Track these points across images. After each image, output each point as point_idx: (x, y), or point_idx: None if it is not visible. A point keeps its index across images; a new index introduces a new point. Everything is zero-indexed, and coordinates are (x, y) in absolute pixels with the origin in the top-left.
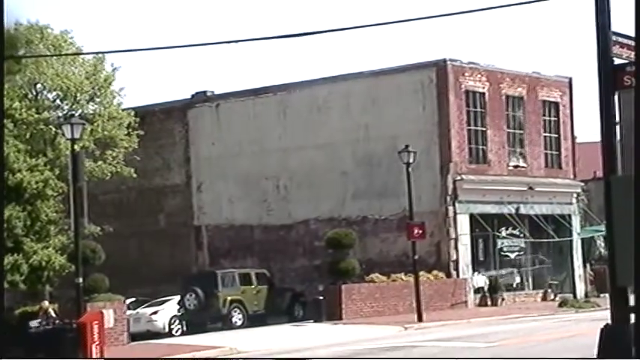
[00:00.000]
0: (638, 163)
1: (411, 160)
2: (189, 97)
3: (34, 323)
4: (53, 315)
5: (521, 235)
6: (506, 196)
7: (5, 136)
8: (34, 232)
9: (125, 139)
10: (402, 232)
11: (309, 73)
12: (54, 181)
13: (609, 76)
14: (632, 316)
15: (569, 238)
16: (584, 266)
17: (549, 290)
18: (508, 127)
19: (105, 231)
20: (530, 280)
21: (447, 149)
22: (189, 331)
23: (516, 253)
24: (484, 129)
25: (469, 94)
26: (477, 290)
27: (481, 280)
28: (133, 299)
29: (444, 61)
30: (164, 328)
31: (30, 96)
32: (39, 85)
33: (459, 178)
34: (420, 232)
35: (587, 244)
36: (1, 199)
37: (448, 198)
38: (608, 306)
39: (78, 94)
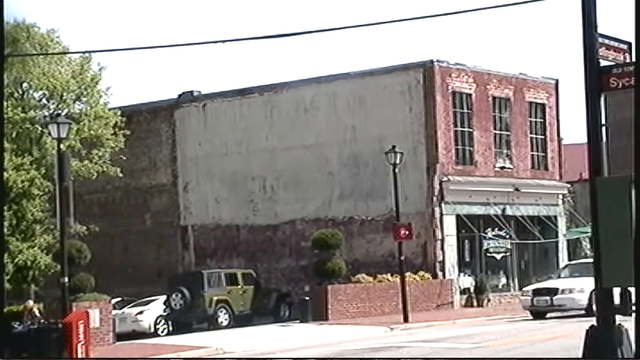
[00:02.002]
0: (638, 163)
1: (397, 161)
2: (175, 96)
3: (18, 324)
4: (38, 315)
5: (507, 236)
6: (493, 197)
7: None
8: (19, 231)
9: (111, 138)
10: (388, 232)
11: (296, 73)
12: (40, 180)
13: (595, 78)
14: (617, 317)
15: (554, 240)
16: None
17: None
18: (495, 128)
19: (91, 230)
20: (516, 280)
21: (433, 150)
22: (175, 331)
23: (502, 254)
24: (471, 130)
25: (456, 95)
26: (463, 291)
27: (467, 280)
28: (119, 299)
29: (431, 62)
30: (150, 328)
31: (16, 95)
32: (25, 84)
33: (445, 179)
34: (407, 232)
35: (573, 245)
36: (1, 198)
37: (434, 199)
38: (594, 307)
39: (64, 94)
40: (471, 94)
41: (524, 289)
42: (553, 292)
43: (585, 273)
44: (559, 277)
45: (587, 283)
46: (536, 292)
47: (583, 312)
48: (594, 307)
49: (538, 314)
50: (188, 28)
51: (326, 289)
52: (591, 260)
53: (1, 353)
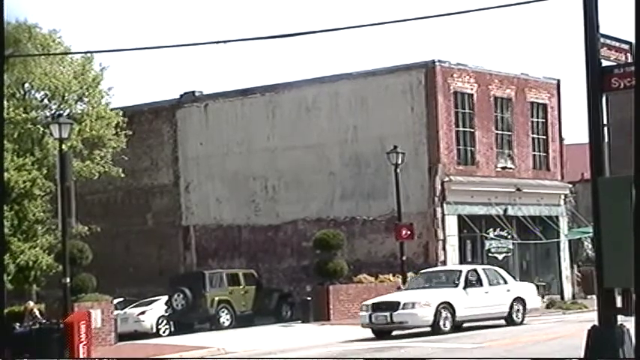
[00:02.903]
0: (638, 163)
1: (399, 161)
2: (177, 97)
3: (19, 325)
4: (38, 315)
5: (509, 237)
6: (494, 197)
7: None
8: (21, 231)
9: (113, 138)
10: (390, 233)
11: (297, 73)
12: (41, 180)
13: (597, 78)
14: (619, 318)
15: (556, 240)
16: (572, 268)
17: (537, 291)
18: (496, 128)
19: (92, 231)
20: (517, 280)
21: (435, 150)
22: (177, 331)
23: (504, 255)
24: (472, 130)
25: (457, 95)
26: None
27: None
28: (121, 299)
29: (433, 62)
30: (152, 329)
31: (18, 95)
32: (27, 85)
33: (447, 179)
34: (408, 233)
35: (575, 245)
36: (1, 199)
37: (436, 199)
38: (595, 307)
39: (66, 94)
40: (472, 95)
41: (363, 303)
42: (393, 307)
43: (439, 283)
44: (408, 288)
45: (435, 296)
46: (376, 307)
47: (428, 329)
48: (441, 323)
49: (379, 333)
50: (190, 28)
51: (327, 290)
52: (449, 267)
53: (1, 353)
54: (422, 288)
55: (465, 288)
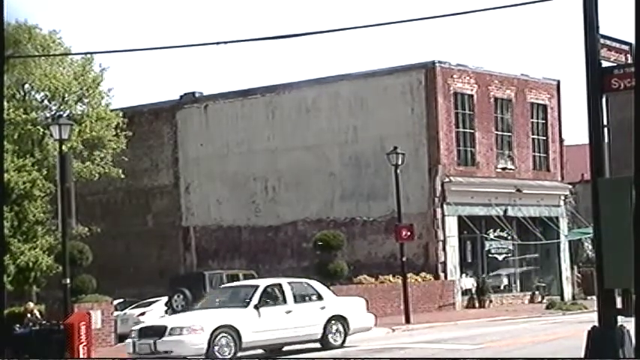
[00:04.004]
0: (638, 163)
1: (399, 162)
2: (177, 98)
3: (19, 326)
4: (38, 316)
5: (509, 237)
6: (494, 198)
7: None
8: (21, 232)
9: (113, 139)
10: (390, 233)
11: (297, 74)
12: (41, 181)
13: (597, 79)
14: (620, 318)
15: (556, 241)
16: (572, 268)
17: (537, 292)
18: (496, 129)
19: (92, 232)
20: (517, 282)
21: (435, 151)
22: None
23: (504, 255)
24: (472, 131)
25: (457, 96)
26: (465, 292)
27: (469, 282)
28: (121, 300)
29: (433, 63)
30: None
31: (18, 96)
32: (27, 86)
33: (447, 180)
34: (408, 233)
35: (575, 246)
36: (1, 200)
37: (436, 200)
38: (596, 308)
39: (66, 95)
40: (472, 95)
41: (132, 328)
42: (159, 332)
43: (233, 301)
44: (200, 307)
45: (214, 319)
46: (142, 333)
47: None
48: (217, 352)
49: None
50: (190, 29)
51: None
52: (248, 282)
53: (1, 354)
54: (209, 308)
55: (257, 307)
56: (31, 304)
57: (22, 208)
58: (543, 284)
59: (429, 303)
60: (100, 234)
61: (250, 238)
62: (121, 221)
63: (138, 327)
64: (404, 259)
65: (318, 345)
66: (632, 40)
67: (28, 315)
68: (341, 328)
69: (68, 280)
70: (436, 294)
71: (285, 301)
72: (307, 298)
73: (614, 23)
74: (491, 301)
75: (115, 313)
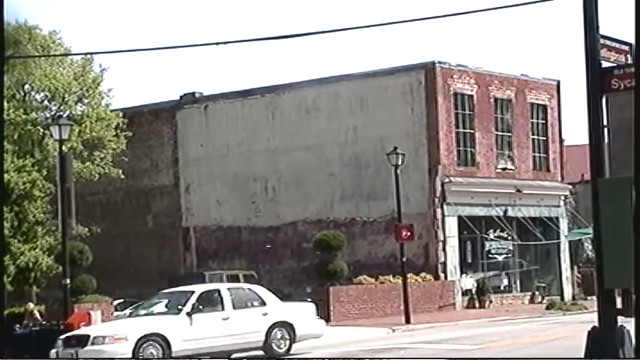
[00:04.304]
0: (638, 164)
1: (399, 162)
2: (177, 98)
3: (19, 327)
4: (38, 317)
5: (509, 238)
6: (494, 198)
7: None
8: (21, 232)
9: (113, 140)
10: (390, 234)
11: (297, 74)
12: (41, 181)
13: (597, 80)
14: (620, 319)
15: (556, 241)
16: (572, 269)
17: (537, 293)
18: (496, 129)
19: (92, 232)
20: (517, 282)
21: (435, 151)
22: None
23: (504, 256)
24: (472, 131)
25: (457, 96)
26: (465, 292)
27: (469, 282)
28: (121, 300)
29: (433, 63)
30: None
31: (18, 96)
32: (27, 86)
33: (447, 180)
34: (409, 234)
35: (575, 246)
36: (1, 200)
37: (436, 200)
38: (596, 308)
39: (66, 95)
40: (472, 96)
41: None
42: (82, 341)
43: (168, 307)
44: (132, 314)
45: (140, 327)
46: (67, 342)
47: None
48: None
49: None
50: (190, 29)
51: (328, 291)
52: (184, 288)
53: (1, 354)
54: (140, 316)
55: (190, 314)
56: (31, 305)
57: (22, 208)
58: (543, 284)
59: (429, 303)
60: (100, 234)
61: (250, 238)
62: (121, 221)
63: (65, 335)
64: (404, 259)
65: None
66: (632, 40)
67: (27, 315)
68: (286, 335)
69: (68, 281)
70: (436, 294)
71: (222, 307)
72: (249, 304)
73: (614, 23)
74: (491, 302)
75: (115, 314)
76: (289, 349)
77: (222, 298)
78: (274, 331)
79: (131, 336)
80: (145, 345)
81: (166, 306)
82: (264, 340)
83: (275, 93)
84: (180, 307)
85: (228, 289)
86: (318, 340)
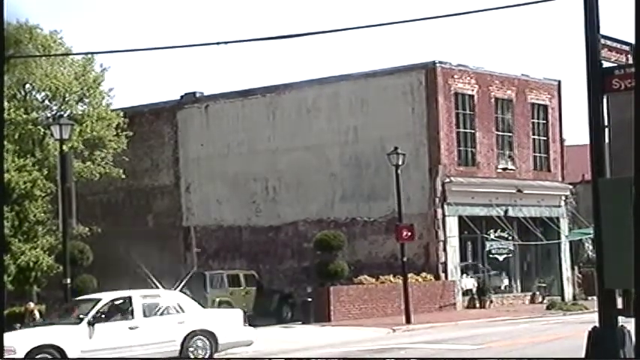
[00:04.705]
0: (638, 164)
1: (399, 162)
2: (178, 98)
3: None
4: (39, 317)
5: (510, 238)
6: (495, 198)
7: None
8: (21, 232)
9: (114, 139)
10: (390, 234)
11: (298, 74)
12: (42, 181)
13: (598, 80)
14: (620, 319)
15: (557, 241)
16: (572, 269)
17: (537, 293)
18: (497, 129)
19: (93, 232)
20: (518, 282)
21: (436, 151)
22: None
23: (505, 256)
24: (473, 131)
25: (458, 96)
26: (466, 292)
27: (469, 282)
28: None
29: (433, 63)
30: None
31: (19, 96)
32: (28, 86)
33: (447, 180)
34: (409, 234)
35: (576, 246)
36: (1, 200)
37: (437, 200)
38: (596, 309)
39: (67, 95)
40: (473, 96)
41: None
42: None
43: (67, 317)
44: (43, 322)
45: (30, 338)
46: None
47: None
48: None
49: None
50: (190, 29)
51: (328, 291)
52: (94, 295)
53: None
54: (40, 325)
55: (91, 324)
56: (32, 304)
57: (23, 207)
58: (544, 284)
59: (429, 303)
60: (101, 234)
61: (251, 238)
62: (121, 221)
63: None
64: (404, 259)
65: None
66: (632, 40)
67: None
68: (206, 344)
69: (69, 280)
70: (437, 294)
71: (132, 316)
72: (164, 312)
73: (615, 24)
74: (491, 302)
75: None
76: (210, 358)
77: (132, 307)
78: (192, 339)
79: (20, 347)
80: (37, 357)
81: (69, 315)
82: (179, 349)
83: (275, 93)
84: (82, 316)
85: (142, 296)
86: (317, 340)
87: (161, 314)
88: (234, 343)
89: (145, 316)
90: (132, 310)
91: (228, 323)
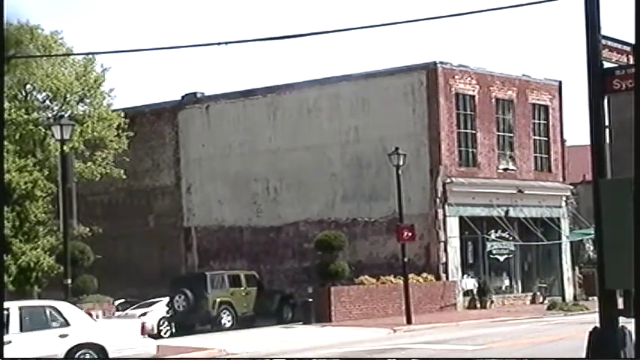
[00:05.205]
0: (638, 163)
1: (400, 163)
2: (179, 98)
3: None
4: None
5: (511, 238)
6: (496, 198)
7: None
8: (22, 232)
9: (115, 140)
10: (391, 234)
11: (299, 75)
12: (43, 181)
13: (599, 80)
14: (621, 319)
15: (558, 241)
16: (573, 269)
17: (538, 293)
18: (498, 130)
19: (94, 232)
20: (519, 282)
21: (436, 152)
22: (178, 332)
23: (505, 256)
24: (474, 132)
25: (459, 96)
26: (466, 293)
27: (470, 282)
28: (122, 300)
29: (434, 63)
30: (153, 330)
31: (19, 96)
32: (28, 86)
33: (448, 180)
34: (410, 234)
35: (576, 247)
36: (2, 200)
37: (438, 200)
38: (597, 309)
39: (68, 95)
40: (474, 96)
41: None
42: None
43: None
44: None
45: None
46: None
47: None
48: None
49: None
50: (191, 29)
51: (329, 291)
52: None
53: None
54: None
55: None
56: None
57: (24, 208)
58: (545, 285)
59: (430, 304)
60: (102, 234)
61: (252, 238)
62: (122, 221)
63: None
64: (405, 259)
65: None
66: (633, 40)
67: None
68: (95, 357)
69: (69, 281)
70: (437, 295)
71: (7, 330)
72: (45, 325)
73: (616, 24)
74: (492, 302)
75: (117, 314)
76: None
77: (7, 320)
78: (77, 354)
79: None
80: None
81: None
82: None
83: (276, 93)
84: None
85: (20, 308)
86: (318, 340)
87: (42, 328)
88: (127, 356)
89: (21, 330)
90: (7, 325)
91: (121, 335)
